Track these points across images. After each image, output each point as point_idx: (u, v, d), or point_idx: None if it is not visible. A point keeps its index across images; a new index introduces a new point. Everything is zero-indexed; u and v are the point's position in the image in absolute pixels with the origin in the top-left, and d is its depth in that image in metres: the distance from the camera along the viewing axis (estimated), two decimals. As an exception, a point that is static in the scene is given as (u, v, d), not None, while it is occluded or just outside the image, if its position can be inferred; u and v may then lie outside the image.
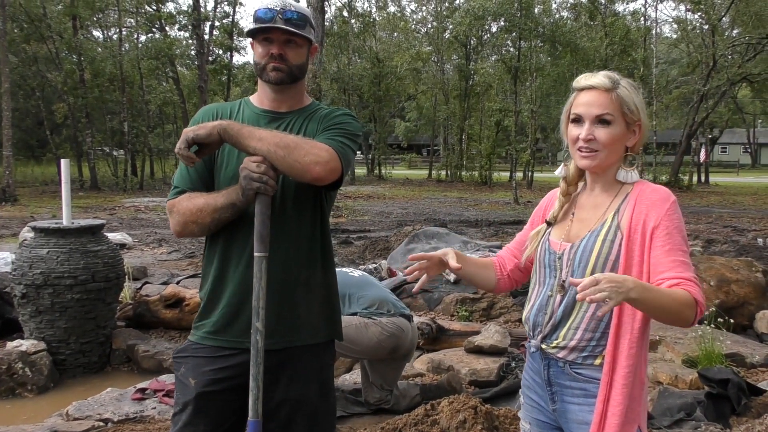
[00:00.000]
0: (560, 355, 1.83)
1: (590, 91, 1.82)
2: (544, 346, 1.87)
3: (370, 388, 4.08)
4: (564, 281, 1.82)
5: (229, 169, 2.05)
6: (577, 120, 1.83)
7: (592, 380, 1.79)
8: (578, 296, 1.58)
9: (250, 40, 2.11)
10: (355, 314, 3.90)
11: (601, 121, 1.79)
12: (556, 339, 1.84)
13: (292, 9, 2.04)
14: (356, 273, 4.30)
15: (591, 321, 1.79)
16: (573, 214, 1.93)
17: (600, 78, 1.82)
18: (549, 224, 1.96)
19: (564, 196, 1.96)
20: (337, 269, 4.37)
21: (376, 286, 4.21)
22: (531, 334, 1.92)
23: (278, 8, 2.03)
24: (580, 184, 1.97)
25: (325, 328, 2.16)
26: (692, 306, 1.68)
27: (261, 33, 2.05)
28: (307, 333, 2.09)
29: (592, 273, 1.75)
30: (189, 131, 1.93)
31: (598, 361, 1.79)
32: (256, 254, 1.88)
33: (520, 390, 2.06)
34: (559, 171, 1.97)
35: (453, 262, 1.89)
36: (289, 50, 2.05)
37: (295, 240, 2.05)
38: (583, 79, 1.86)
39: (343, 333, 3.61)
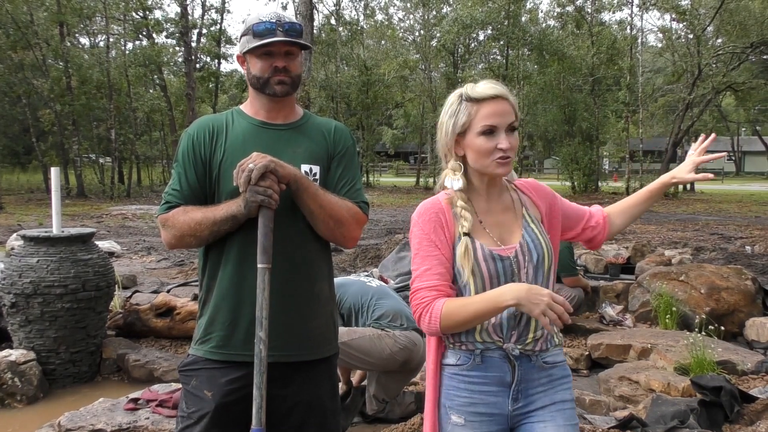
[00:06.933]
0: (537, 347, 1.87)
1: (496, 101, 1.83)
2: (520, 346, 1.85)
3: (370, 400, 4.07)
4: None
5: (233, 183, 1.99)
6: (490, 132, 1.83)
7: (556, 365, 1.90)
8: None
9: (237, 54, 2.10)
10: (369, 324, 3.89)
11: (510, 128, 1.84)
12: (530, 332, 1.86)
13: (288, 20, 2.05)
14: (374, 283, 4.26)
15: None
16: (480, 222, 1.89)
17: (499, 87, 1.85)
18: (467, 236, 1.84)
19: (468, 205, 1.88)
20: (355, 277, 4.40)
21: (394, 297, 4.18)
22: (499, 340, 1.85)
23: (274, 20, 2.03)
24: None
25: (333, 340, 2.20)
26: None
27: (263, 47, 2.04)
28: (321, 347, 2.12)
29: (548, 257, 1.89)
30: (271, 162, 1.89)
31: (557, 340, 1.91)
32: (259, 266, 1.89)
33: (448, 417, 1.87)
34: (456, 184, 1.88)
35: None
36: (289, 61, 2.07)
37: (301, 252, 2.06)
38: (481, 90, 1.84)
39: (357, 344, 3.69)
